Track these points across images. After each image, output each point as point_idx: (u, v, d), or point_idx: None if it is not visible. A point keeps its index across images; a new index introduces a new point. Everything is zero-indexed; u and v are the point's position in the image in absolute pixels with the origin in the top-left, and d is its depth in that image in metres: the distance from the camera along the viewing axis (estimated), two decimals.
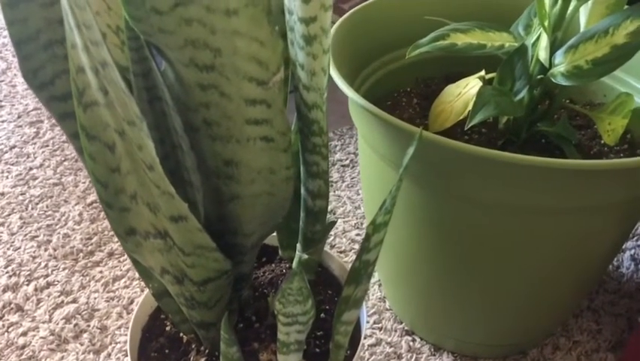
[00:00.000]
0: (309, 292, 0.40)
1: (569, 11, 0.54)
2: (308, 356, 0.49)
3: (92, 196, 0.94)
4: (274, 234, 0.56)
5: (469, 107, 0.55)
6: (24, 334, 0.74)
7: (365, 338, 0.73)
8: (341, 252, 0.85)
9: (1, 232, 0.88)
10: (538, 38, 0.57)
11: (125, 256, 0.84)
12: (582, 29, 0.57)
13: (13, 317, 0.76)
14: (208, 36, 0.33)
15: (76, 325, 0.75)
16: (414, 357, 0.71)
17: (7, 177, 0.98)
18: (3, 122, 1.12)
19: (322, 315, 0.52)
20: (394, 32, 0.71)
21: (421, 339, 0.73)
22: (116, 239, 0.86)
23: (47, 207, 0.92)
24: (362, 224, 0.90)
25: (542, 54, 0.55)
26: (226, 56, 0.34)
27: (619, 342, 0.73)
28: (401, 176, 0.41)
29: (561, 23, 0.54)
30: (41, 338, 0.73)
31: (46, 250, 0.85)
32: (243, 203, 0.42)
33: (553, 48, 0.55)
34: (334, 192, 0.96)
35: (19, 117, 1.13)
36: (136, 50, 0.36)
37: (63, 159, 1.03)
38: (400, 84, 0.73)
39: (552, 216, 0.54)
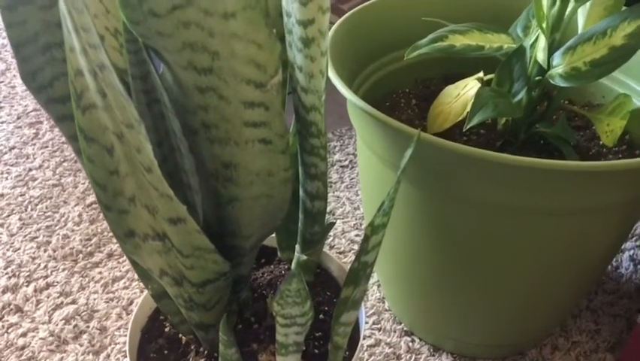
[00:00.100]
0: (308, 293, 0.40)
1: (567, 13, 0.54)
2: (307, 357, 0.49)
3: (92, 197, 0.94)
4: (273, 235, 0.56)
5: (468, 109, 0.56)
6: (24, 335, 0.74)
7: (364, 339, 0.73)
8: (340, 253, 0.85)
9: (1, 233, 0.88)
10: (536, 40, 0.57)
11: (125, 257, 0.84)
12: (580, 31, 0.57)
13: (13, 318, 0.76)
14: (206, 39, 0.33)
15: (75, 326, 0.75)
16: (413, 358, 0.71)
17: (6, 178, 0.98)
18: (2, 123, 1.12)
19: (321, 316, 0.52)
20: (393, 33, 0.71)
21: (420, 340, 0.74)
22: (115, 240, 0.87)
23: (47, 208, 0.93)
24: (361, 225, 0.90)
25: (540, 55, 0.55)
26: (224, 58, 0.34)
27: (618, 342, 0.73)
28: (399, 178, 0.41)
29: (559, 25, 0.54)
30: (41, 338, 0.73)
31: (45, 251, 0.85)
32: (242, 205, 0.42)
33: (551, 49, 0.55)
34: (333, 193, 0.96)
35: (18, 118, 1.13)
36: (134, 53, 0.36)
37: (62, 160, 1.03)
38: (398, 85, 0.73)
39: (550, 217, 0.54)
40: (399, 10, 0.71)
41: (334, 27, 0.64)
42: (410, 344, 0.73)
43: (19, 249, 0.85)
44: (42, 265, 0.83)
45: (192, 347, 0.50)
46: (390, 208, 0.41)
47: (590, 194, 0.51)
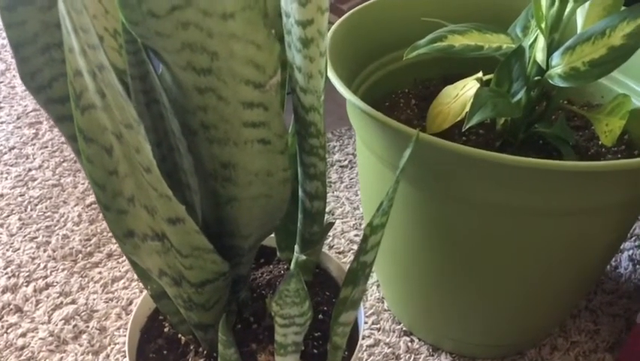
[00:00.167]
0: (307, 293, 0.40)
1: (566, 13, 0.54)
2: (306, 357, 0.49)
3: (91, 197, 0.94)
4: (272, 235, 0.56)
5: (467, 109, 0.56)
6: (23, 335, 0.74)
7: (363, 339, 0.73)
8: (340, 252, 0.85)
9: (1, 233, 0.88)
10: (535, 40, 0.57)
11: (124, 257, 0.84)
12: (579, 31, 0.57)
13: (13, 318, 0.76)
14: (205, 39, 0.33)
15: (75, 326, 0.75)
16: (412, 358, 0.71)
17: (6, 179, 0.98)
18: (2, 123, 1.12)
19: (320, 316, 0.52)
20: (392, 34, 0.71)
21: (420, 340, 0.74)
22: (114, 240, 0.86)
23: (46, 208, 0.93)
24: (361, 225, 0.90)
25: (539, 56, 0.55)
26: (223, 59, 0.34)
27: (617, 342, 0.73)
28: (398, 177, 0.42)
29: (558, 25, 0.54)
30: (40, 339, 0.73)
31: (45, 251, 0.85)
32: (241, 205, 0.42)
33: (550, 50, 0.55)
34: (333, 192, 0.96)
35: (18, 118, 1.13)
36: (133, 54, 0.36)
37: (62, 160, 1.03)
38: (398, 85, 0.73)
39: (550, 217, 0.54)
40: (398, 10, 0.71)
41: (333, 27, 0.65)
42: (409, 344, 0.73)
43: (18, 249, 0.85)
44: (42, 265, 0.83)
45: (191, 347, 0.50)
46: (389, 208, 0.41)
47: (588, 194, 0.52)
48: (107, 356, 0.72)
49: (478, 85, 0.58)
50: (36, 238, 0.87)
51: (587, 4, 0.56)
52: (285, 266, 0.57)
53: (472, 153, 0.48)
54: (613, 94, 0.65)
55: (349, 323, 0.46)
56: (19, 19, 0.38)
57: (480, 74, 0.60)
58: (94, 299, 0.78)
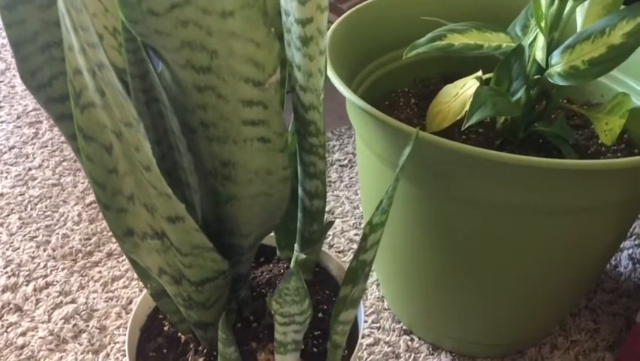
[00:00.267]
0: (306, 292, 0.40)
1: (565, 12, 0.54)
2: (306, 355, 0.49)
3: (91, 197, 0.94)
4: (272, 234, 0.56)
5: (467, 108, 0.56)
6: (23, 334, 0.74)
7: (363, 338, 0.73)
8: (339, 252, 0.85)
9: (0, 233, 0.88)
10: (535, 39, 0.57)
11: (124, 256, 0.84)
12: (579, 29, 0.57)
13: (12, 317, 0.76)
14: (204, 38, 0.33)
15: (75, 325, 0.75)
16: (412, 357, 0.71)
17: (6, 178, 0.99)
18: (2, 122, 1.12)
19: (320, 315, 0.52)
20: (392, 33, 0.71)
21: (420, 338, 0.74)
22: (114, 239, 0.86)
23: (46, 207, 0.93)
24: (360, 224, 0.90)
25: (539, 54, 0.55)
26: (222, 57, 0.34)
27: (617, 341, 0.73)
28: (397, 176, 0.42)
29: (558, 24, 0.54)
30: (40, 338, 0.73)
31: (45, 250, 0.85)
32: (240, 204, 0.42)
33: (550, 48, 0.55)
34: (333, 192, 0.96)
35: (18, 118, 1.13)
36: (133, 52, 0.36)
37: (62, 159, 1.03)
38: (397, 84, 0.73)
39: (550, 216, 0.54)
40: (398, 9, 0.71)
41: (333, 26, 0.65)
42: (409, 343, 0.73)
43: (18, 248, 0.86)
44: (41, 265, 0.83)
45: (191, 346, 0.50)
46: (388, 206, 0.41)
47: (588, 193, 0.52)
48: (107, 355, 0.72)
49: (477, 84, 0.58)
50: (36, 237, 0.87)
51: (586, 3, 0.56)
52: (285, 265, 0.57)
53: (472, 151, 0.48)
54: (612, 93, 0.65)
55: (349, 322, 0.46)
56: (19, 17, 0.38)
57: (480, 73, 0.61)
58: (94, 298, 0.78)
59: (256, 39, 0.33)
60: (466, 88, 0.59)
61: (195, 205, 0.41)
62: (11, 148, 1.05)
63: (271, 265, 0.57)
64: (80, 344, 0.73)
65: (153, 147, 0.34)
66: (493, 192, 0.52)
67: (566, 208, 0.53)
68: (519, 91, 0.56)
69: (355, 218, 0.91)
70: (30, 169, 1.00)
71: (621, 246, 0.85)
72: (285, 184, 0.42)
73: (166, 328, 0.53)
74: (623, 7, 0.54)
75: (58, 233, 0.88)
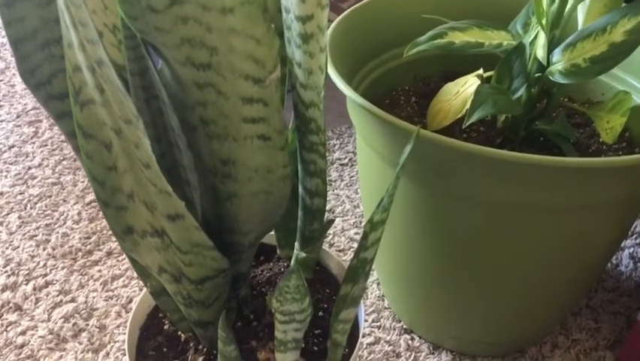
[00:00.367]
0: (307, 290, 0.40)
1: (566, 9, 0.54)
2: (306, 354, 0.49)
3: (91, 195, 0.94)
4: (272, 233, 0.56)
5: (467, 106, 0.55)
6: (23, 333, 0.74)
7: (364, 337, 0.73)
8: (340, 251, 0.85)
9: (0, 232, 0.88)
10: (536, 36, 0.57)
11: (124, 255, 0.84)
12: (580, 27, 0.57)
13: (12, 316, 0.76)
14: (204, 34, 0.33)
15: (74, 324, 0.75)
16: (412, 356, 0.71)
17: (5, 177, 0.98)
18: (2, 121, 1.12)
19: (320, 313, 0.52)
20: (392, 31, 0.70)
21: (420, 338, 0.73)
22: (114, 238, 0.86)
23: (46, 206, 0.93)
24: (361, 223, 0.90)
25: (540, 52, 0.55)
26: (222, 54, 0.34)
27: (617, 340, 0.73)
28: (398, 174, 0.41)
29: (559, 21, 0.54)
30: (40, 337, 0.73)
31: (44, 249, 0.85)
32: (241, 201, 0.42)
33: (551, 46, 0.55)
34: (333, 191, 0.96)
35: (17, 117, 1.13)
36: (132, 49, 0.36)
37: (62, 158, 1.03)
38: (398, 83, 0.73)
39: (550, 214, 0.54)
40: (398, 7, 0.71)
41: (333, 24, 0.64)
42: (410, 342, 0.73)
43: (18, 247, 0.85)
44: (41, 264, 0.83)
45: (191, 345, 0.50)
46: (389, 205, 0.41)
47: (590, 191, 0.51)
48: (107, 354, 0.72)
49: (478, 82, 0.58)
50: (36, 236, 0.87)
51: (587, 1, 0.56)
52: (285, 264, 0.57)
53: (473, 149, 0.48)
54: (614, 91, 0.65)
55: (349, 320, 0.46)
56: (18, 15, 0.38)
57: (480, 71, 0.60)
58: (94, 297, 0.78)
59: (256, 36, 0.33)
60: (466, 86, 0.59)
61: (195, 203, 0.41)
62: (11, 147, 1.05)
63: (271, 264, 0.57)
64: (80, 343, 0.72)
65: (153, 145, 0.34)
66: (494, 191, 0.52)
67: (567, 206, 0.53)
68: (520, 89, 0.56)
69: (356, 217, 0.91)
70: (30, 168, 1.00)
71: (622, 245, 0.85)
72: (286, 182, 0.41)
73: (166, 326, 0.53)
74: (624, 4, 0.54)
75: (57, 232, 0.88)
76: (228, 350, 0.43)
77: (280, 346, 0.44)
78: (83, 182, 0.97)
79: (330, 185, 0.97)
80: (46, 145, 1.06)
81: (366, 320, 0.75)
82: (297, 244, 0.51)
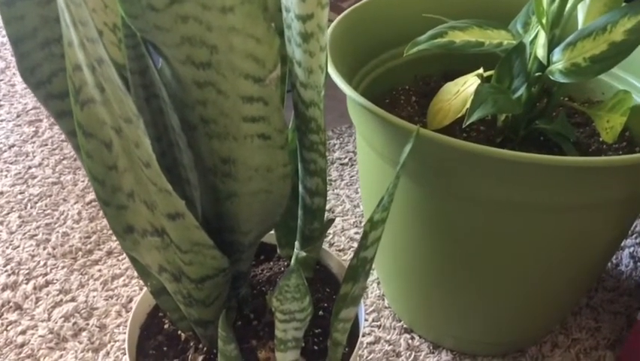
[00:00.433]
0: (307, 289, 0.40)
1: (566, 9, 0.54)
2: (306, 353, 0.49)
3: (91, 195, 0.94)
4: (272, 232, 0.56)
5: (468, 105, 0.55)
6: (23, 332, 0.74)
7: (364, 336, 0.73)
8: (340, 250, 0.85)
9: (0, 231, 0.88)
10: (536, 36, 0.57)
11: (124, 254, 0.84)
12: (580, 27, 0.57)
13: (12, 316, 0.76)
14: (204, 33, 0.33)
15: (75, 323, 0.75)
16: (413, 355, 0.71)
17: (6, 176, 0.98)
18: (2, 121, 1.12)
19: (320, 313, 0.52)
20: (392, 30, 0.70)
21: (420, 337, 0.73)
22: (114, 238, 0.86)
23: (46, 205, 0.93)
24: (361, 222, 0.90)
25: (540, 52, 0.55)
26: (222, 53, 0.34)
27: (618, 340, 0.73)
28: (398, 173, 0.41)
29: (559, 21, 0.54)
30: (40, 336, 0.73)
31: (45, 248, 0.85)
32: (241, 201, 0.42)
33: (551, 45, 0.55)
34: (333, 190, 0.96)
35: (18, 116, 1.13)
36: (133, 48, 0.36)
37: (62, 157, 1.03)
38: (398, 82, 0.73)
39: (550, 213, 0.54)
40: (398, 7, 0.71)
41: (333, 24, 0.64)
42: (410, 341, 0.73)
43: (18, 246, 0.85)
44: (41, 263, 0.83)
45: (191, 344, 0.50)
46: (389, 203, 0.41)
47: (590, 190, 0.51)
48: (107, 353, 0.72)
49: (478, 81, 0.58)
50: (36, 235, 0.87)
51: (587, 0, 0.56)
52: (286, 263, 0.57)
53: (473, 148, 0.48)
54: (614, 90, 0.65)
55: (350, 320, 0.46)
56: (18, 14, 0.38)
57: (481, 71, 0.60)
58: (94, 297, 0.78)
59: (256, 34, 0.33)
60: (467, 85, 0.59)
61: (195, 202, 0.41)
62: (11, 146, 1.05)
63: (271, 263, 0.57)
64: (80, 343, 0.72)
65: (153, 144, 0.34)
66: (494, 190, 0.52)
67: (567, 206, 0.53)
68: (520, 88, 0.56)
69: (356, 217, 0.91)
70: (30, 167, 1.00)
71: (622, 244, 0.85)
72: (286, 181, 0.41)
73: (166, 326, 0.53)
74: (624, 4, 0.54)
75: (58, 231, 0.88)
76: (228, 349, 0.43)
77: (280, 345, 0.44)
78: (83, 181, 0.97)
79: (330, 184, 0.97)
80: (46, 144, 1.06)
81: (366, 320, 0.75)
82: (297, 244, 0.51)
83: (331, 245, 0.86)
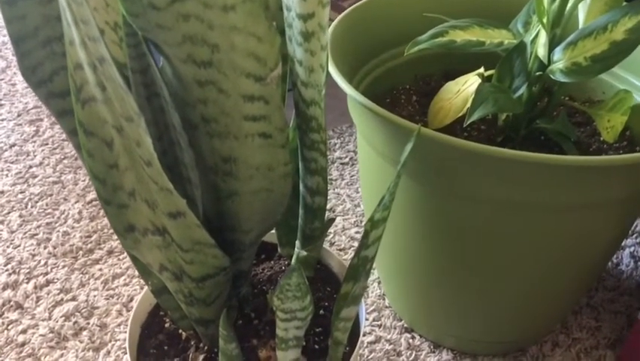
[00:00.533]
0: (308, 287, 0.40)
1: (567, 8, 0.54)
2: (307, 352, 0.49)
3: (92, 194, 0.94)
4: (273, 232, 0.56)
5: (468, 104, 0.55)
6: (24, 331, 0.74)
7: (364, 336, 0.73)
8: (340, 250, 0.85)
9: (1, 230, 0.88)
10: (537, 35, 0.57)
11: (125, 253, 0.84)
12: (581, 26, 0.57)
13: (13, 315, 0.76)
14: (205, 32, 0.33)
15: (75, 322, 0.75)
16: (413, 354, 0.71)
17: (6, 176, 0.98)
18: (3, 120, 1.12)
19: (321, 312, 0.52)
20: (393, 30, 0.71)
21: (421, 336, 0.73)
22: (115, 237, 0.86)
23: (47, 205, 0.93)
24: (361, 222, 0.90)
25: (541, 51, 0.55)
26: (224, 51, 0.34)
27: (618, 339, 0.73)
28: (399, 172, 0.41)
29: (560, 20, 0.54)
30: (41, 335, 0.73)
31: (45, 248, 0.85)
32: (242, 200, 0.42)
33: (552, 45, 0.55)
34: (334, 190, 0.96)
35: (18, 116, 1.13)
36: (134, 47, 0.36)
37: (62, 157, 1.03)
38: (399, 81, 0.73)
39: (551, 213, 0.54)
40: (399, 6, 0.71)
41: (334, 23, 0.64)
42: (410, 340, 0.73)
43: (19, 246, 0.85)
44: (42, 262, 0.83)
45: (192, 343, 0.50)
46: (390, 202, 0.41)
47: (590, 190, 0.51)
48: (108, 352, 0.72)
49: (479, 80, 0.58)
50: (36, 234, 0.87)
51: None
52: (286, 262, 0.57)
53: (474, 147, 0.48)
54: (614, 90, 0.65)
55: (350, 319, 0.46)
56: (20, 13, 0.38)
57: (481, 70, 0.60)
58: (94, 296, 0.78)
59: (258, 33, 0.33)
60: (467, 85, 0.59)
61: (196, 201, 0.41)
62: (12, 146, 1.05)
63: (272, 262, 0.57)
64: (81, 342, 0.73)
65: (154, 143, 0.34)
66: (495, 189, 0.52)
67: (567, 205, 0.53)
68: (521, 88, 0.56)
69: (356, 216, 0.91)
70: (31, 167, 1.00)
71: (623, 244, 0.85)
72: (286, 180, 0.41)
73: (167, 325, 0.53)
74: (625, 3, 0.54)
75: (58, 231, 0.88)
76: (229, 348, 0.43)
77: (281, 344, 0.44)
78: (83, 181, 0.97)
79: (331, 184, 0.97)
80: (47, 144, 1.06)
81: (366, 319, 0.75)
82: (297, 243, 0.51)
83: (332, 244, 0.86)
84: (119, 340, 0.73)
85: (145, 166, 0.36)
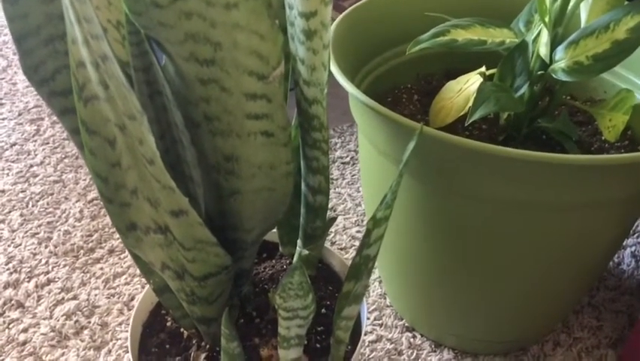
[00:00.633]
0: (310, 286, 0.40)
1: (569, 7, 0.54)
2: (309, 351, 0.49)
3: (93, 193, 0.94)
4: (275, 230, 0.56)
5: (470, 104, 0.55)
6: (25, 330, 0.74)
7: (366, 335, 0.73)
8: (341, 249, 0.85)
9: (2, 229, 0.88)
10: (538, 34, 0.57)
11: (126, 252, 0.84)
12: (583, 25, 0.57)
13: (14, 314, 0.76)
14: (208, 30, 0.33)
15: (76, 321, 0.75)
16: (414, 353, 0.71)
17: (7, 175, 0.98)
18: (4, 119, 1.12)
19: (323, 311, 0.52)
20: (395, 29, 0.70)
21: (422, 336, 0.73)
22: (116, 236, 0.86)
23: (48, 204, 0.93)
24: (362, 221, 0.90)
25: (543, 50, 0.55)
26: (226, 49, 0.34)
27: (619, 339, 0.73)
28: (401, 171, 0.41)
29: (562, 19, 0.54)
30: (42, 334, 0.73)
31: (46, 247, 0.85)
32: (244, 198, 0.42)
33: (553, 44, 0.55)
34: (335, 189, 0.96)
35: (19, 115, 1.13)
36: (136, 45, 0.36)
37: (64, 156, 1.03)
38: (400, 80, 0.73)
39: (552, 212, 0.54)
40: (400, 5, 0.71)
41: (336, 22, 0.64)
42: (412, 340, 0.73)
43: (20, 245, 0.85)
44: (43, 261, 0.83)
45: (194, 342, 0.50)
46: (392, 201, 0.41)
47: (592, 189, 0.51)
48: (109, 351, 0.72)
49: (481, 79, 0.58)
50: (37, 233, 0.87)
51: None
52: (288, 261, 0.57)
53: (476, 146, 0.48)
54: (616, 89, 0.65)
55: (352, 317, 0.46)
56: (22, 11, 0.38)
57: (483, 69, 0.60)
58: (95, 295, 0.78)
59: (260, 31, 0.33)
60: (469, 84, 0.59)
61: (199, 199, 0.41)
62: (13, 145, 1.05)
63: (274, 261, 0.57)
64: (82, 341, 0.73)
65: (157, 141, 0.34)
66: (497, 188, 0.52)
67: (569, 204, 0.53)
68: (522, 87, 0.56)
69: (357, 215, 0.91)
70: (31, 166, 1.00)
71: (624, 243, 0.85)
72: (288, 179, 0.41)
73: (168, 323, 0.53)
74: (627, 2, 0.54)
75: (59, 230, 0.88)
76: (231, 347, 0.43)
77: (283, 342, 0.44)
78: (84, 180, 0.97)
79: (332, 183, 0.97)
80: (47, 143, 1.06)
81: (368, 318, 0.75)
82: (299, 242, 0.51)
83: (333, 244, 0.86)
84: (120, 339, 0.73)
85: (147, 164, 0.36)
